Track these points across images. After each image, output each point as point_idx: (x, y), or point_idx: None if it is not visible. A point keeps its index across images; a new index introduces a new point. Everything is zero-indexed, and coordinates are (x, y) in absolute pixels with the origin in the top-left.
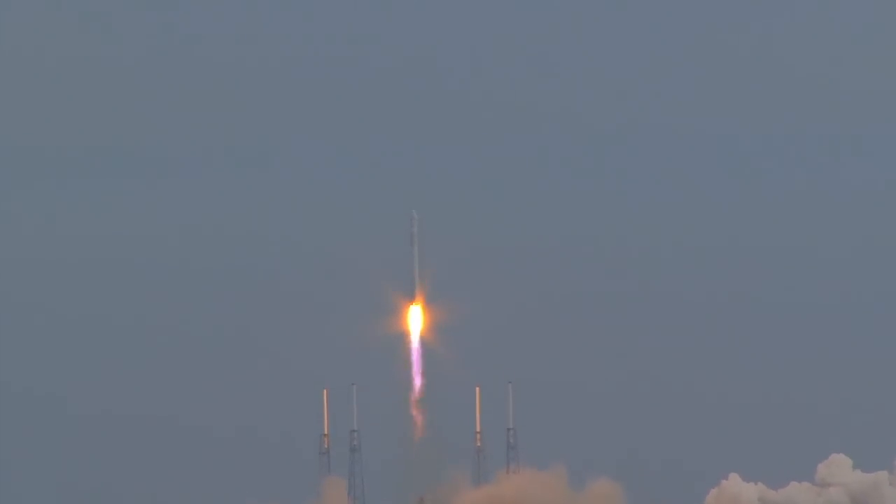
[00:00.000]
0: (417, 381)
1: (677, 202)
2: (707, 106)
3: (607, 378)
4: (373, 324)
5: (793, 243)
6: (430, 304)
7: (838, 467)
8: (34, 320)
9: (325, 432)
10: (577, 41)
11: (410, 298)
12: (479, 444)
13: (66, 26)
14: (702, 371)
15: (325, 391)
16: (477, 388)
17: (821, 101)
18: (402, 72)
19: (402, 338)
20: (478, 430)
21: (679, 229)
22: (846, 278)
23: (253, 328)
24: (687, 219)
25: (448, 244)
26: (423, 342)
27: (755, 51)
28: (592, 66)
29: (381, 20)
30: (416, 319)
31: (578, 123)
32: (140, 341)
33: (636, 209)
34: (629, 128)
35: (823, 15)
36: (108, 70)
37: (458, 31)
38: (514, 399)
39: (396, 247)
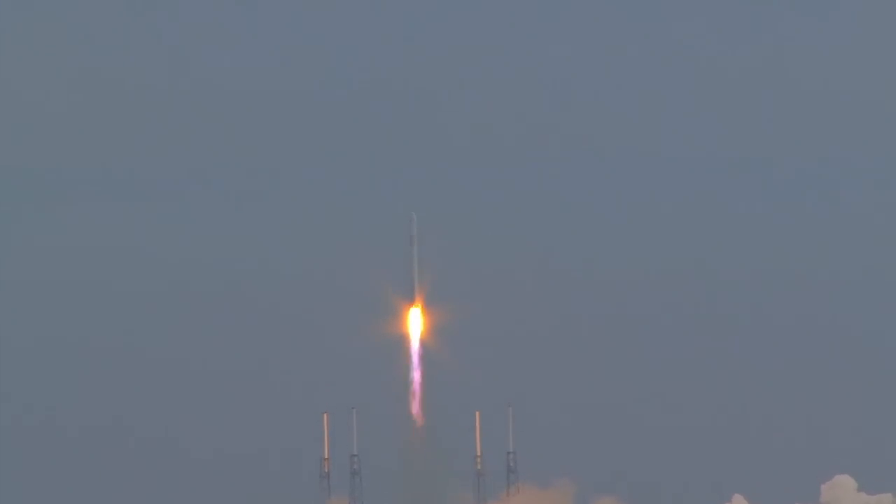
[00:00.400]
0: (416, 387)
1: (684, 215)
2: (707, 121)
3: (610, 398)
4: (372, 326)
5: (794, 265)
6: (429, 306)
7: (842, 489)
8: (32, 343)
9: (326, 456)
10: (576, 44)
11: (410, 300)
12: (479, 467)
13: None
14: (706, 392)
15: (325, 415)
16: (477, 413)
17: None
18: (402, 74)
19: (402, 340)
20: (478, 453)
21: (685, 246)
22: (851, 299)
23: (252, 340)
24: (693, 235)
25: (447, 246)
26: (423, 344)
27: (757, 74)
28: (593, 69)
29: (382, 22)
30: (415, 321)
31: (579, 126)
32: (138, 364)
33: (639, 216)
34: (630, 135)
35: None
36: (101, 90)
37: (456, 34)
38: (514, 422)
39: (396, 249)
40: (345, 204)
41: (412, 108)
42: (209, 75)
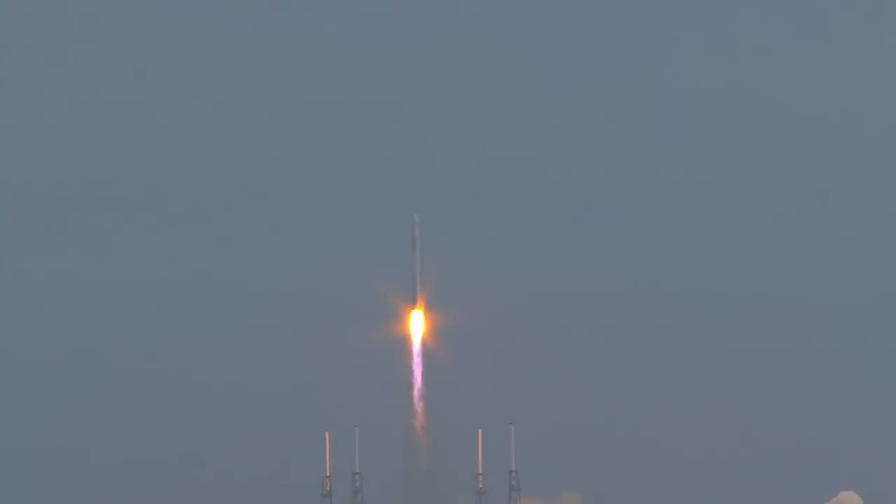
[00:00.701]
0: (418, 399)
1: (691, 220)
2: (711, 126)
3: (612, 410)
4: (374, 329)
5: (798, 282)
6: (431, 308)
7: None
8: (39, 371)
9: (328, 474)
10: (580, 47)
11: (412, 303)
12: (480, 486)
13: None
14: (711, 408)
15: (327, 433)
16: (479, 431)
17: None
18: (403, 77)
19: (404, 342)
20: (480, 471)
21: (691, 255)
22: (856, 316)
23: (253, 349)
24: (700, 245)
25: (450, 248)
26: (425, 346)
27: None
28: (596, 72)
29: (383, 26)
30: (417, 324)
31: (582, 129)
32: (141, 387)
33: (644, 221)
34: (634, 138)
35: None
36: (101, 112)
37: (459, 38)
38: (516, 440)
39: (398, 251)
40: (347, 207)
41: (414, 111)
42: (212, 81)
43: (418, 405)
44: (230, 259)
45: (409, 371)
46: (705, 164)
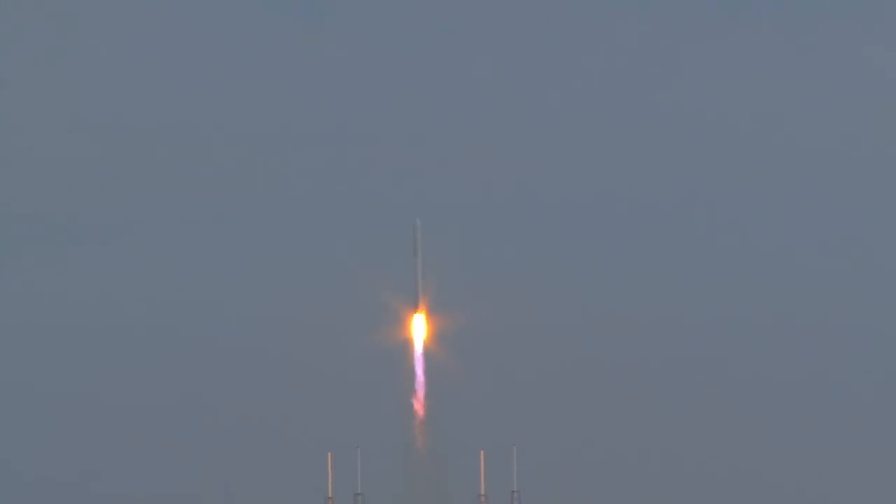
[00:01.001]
0: (421, 411)
1: (696, 240)
2: (719, 134)
3: (618, 434)
4: (376, 334)
5: (806, 313)
6: (433, 313)
7: None
8: (30, 390)
9: (330, 495)
10: (583, 51)
11: (413, 307)
12: None
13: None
14: (715, 431)
15: (329, 454)
16: (481, 452)
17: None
18: (405, 78)
19: (406, 349)
20: (482, 492)
21: (694, 278)
22: (863, 339)
23: (252, 359)
24: (705, 267)
25: (452, 252)
26: (427, 352)
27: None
28: (601, 78)
29: (382, 29)
30: (419, 328)
31: (586, 134)
32: (136, 408)
33: (650, 224)
34: (641, 142)
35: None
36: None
37: (460, 40)
38: (518, 461)
39: (399, 255)
40: (347, 209)
41: (415, 112)
42: (211, 83)
43: (420, 422)
44: (228, 263)
45: (412, 382)
46: (711, 178)
